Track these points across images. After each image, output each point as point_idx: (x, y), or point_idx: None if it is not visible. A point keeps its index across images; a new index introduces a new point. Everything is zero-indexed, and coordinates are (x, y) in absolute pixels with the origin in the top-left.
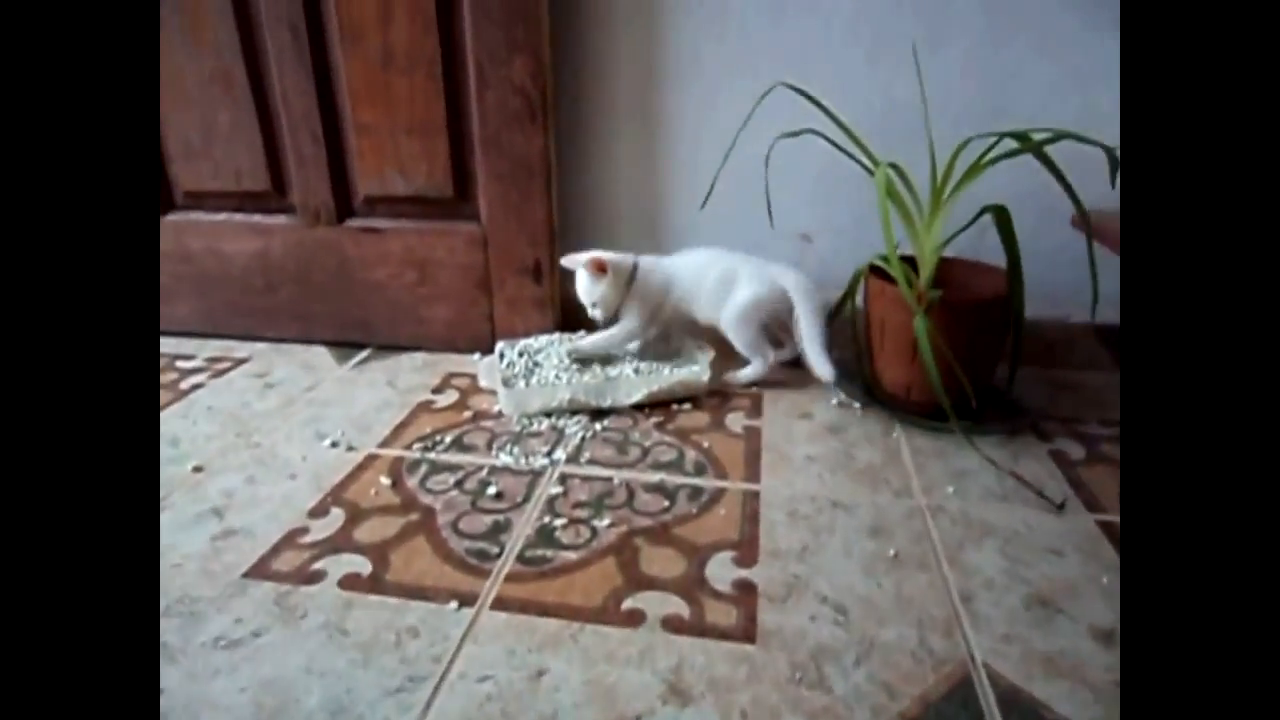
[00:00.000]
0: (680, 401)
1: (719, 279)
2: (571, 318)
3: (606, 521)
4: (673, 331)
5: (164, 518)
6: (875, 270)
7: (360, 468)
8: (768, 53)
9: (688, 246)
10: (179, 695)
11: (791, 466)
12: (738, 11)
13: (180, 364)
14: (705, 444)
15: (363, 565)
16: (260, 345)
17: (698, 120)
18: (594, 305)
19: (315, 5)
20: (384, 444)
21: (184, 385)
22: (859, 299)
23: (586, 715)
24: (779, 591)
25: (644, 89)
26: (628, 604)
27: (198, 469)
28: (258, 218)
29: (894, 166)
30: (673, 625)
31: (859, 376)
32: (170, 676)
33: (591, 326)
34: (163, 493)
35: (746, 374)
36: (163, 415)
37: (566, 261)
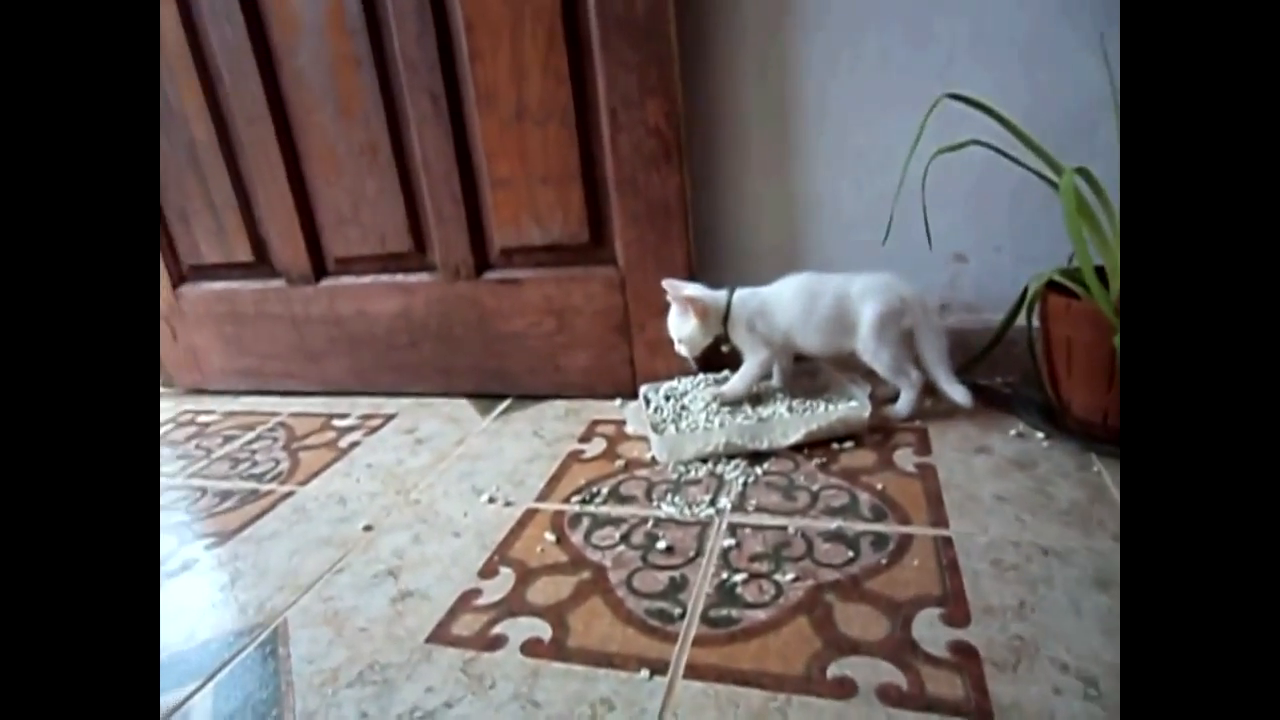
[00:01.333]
0: (840, 440)
1: (834, 302)
2: (715, 358)
3: (790, 576)
4: (821, 365)
5: (344, 579)
6: (1054, 286)
7: (520, 524)
8: (911, 71)
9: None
10: None
11: (981, 508)
12: (875, 39)
13: (336, 422)
14: (878, 485)
15: (542, 629)
16: (405, 400)
17: (832, 150)
18: (680, 341)
19: (452, 71)
20: (541, 497)
21: (343, 443)
22: (1031, 319)
23: None
24: (1005, 657)
25: (777, 123)
26: (833, 671)
27: (368, 528)
28: (400, 277)
29: (1082, 171)
30: (890, 697)
31: (1035, 403)
32: None
33: (733, 363)
34: (340, 553)
35: (903, 407)
36: (327, 473)
37: (667, 285)
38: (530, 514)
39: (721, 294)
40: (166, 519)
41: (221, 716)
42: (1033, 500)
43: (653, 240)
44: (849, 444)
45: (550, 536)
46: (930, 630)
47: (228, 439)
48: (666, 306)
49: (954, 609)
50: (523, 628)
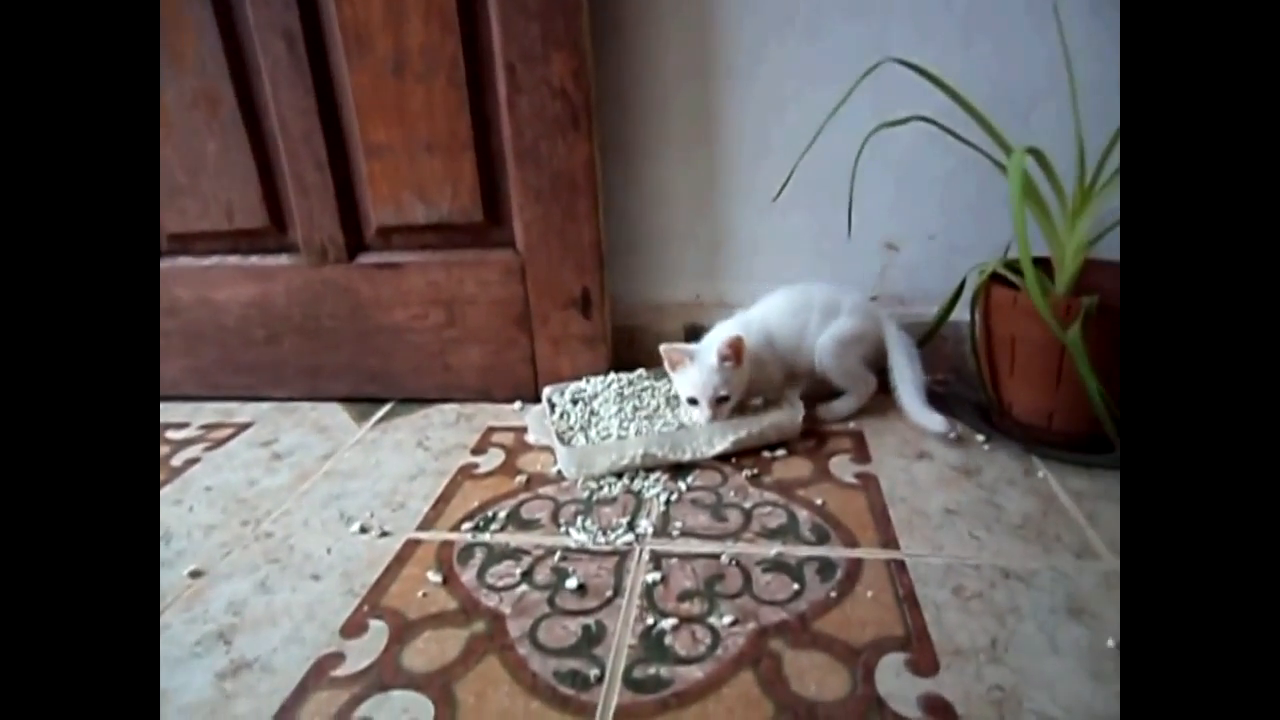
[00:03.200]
0: (771, 448)
1: (823, 312)
2: (627, 356)
3: (728, 618)
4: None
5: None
6: (998, 279)
7: (399, 559)
8: (847, 41)
9: (753, 265)
10: None
11: (930, 523)
12: (808, 4)
13: (171, 434)
14: (818, 500)
15: (422, 709)
16: (264, 406)
17: (761, 120)
18: (723, 399)
19: (313, 8)
20: (425, 524)
21: (176, 461)
22: (975, 313)
23: None
24: (985, 713)
25: (699, 88)
26: None
27: (196, 574)
28: (254, 259)
29: (1034, 153)
30: None
31: (971, 402)
32: None
33: (647, 360)
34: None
35: (842, 406)
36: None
37: (667, 351)
38: (411, 546)
39: (727, 324)
40: None
41: None
42: (983, 513)
43: (557, 219)
44: (780, 451)
45: (435, 576)
46: (897, 682)
47: None
48: (575, 298)
49: (920, 653)
50: (395, 708)
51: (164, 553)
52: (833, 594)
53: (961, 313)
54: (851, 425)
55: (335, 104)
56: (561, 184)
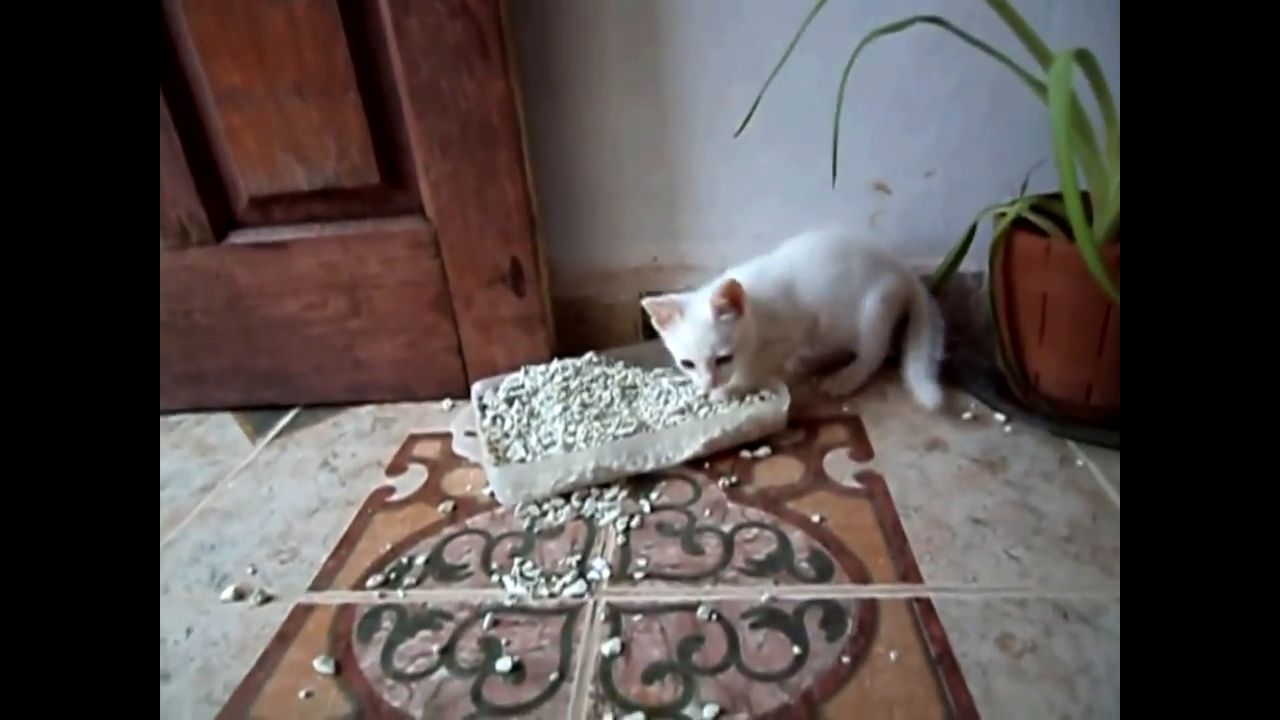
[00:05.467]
0: (752, 446)
1: (867, 263)
2: (575, 335)
3: (710, 710)
4: None
5: None
6: (1023, 224)
7: (281, 638)
8: None
9: (718, 219)
10: None
11: (956, 541)
12: None
13: None
14: (814, 516)
15: None
16: None
17: (721, 35)
18: (724, 359)
19: None
20: (320, 581)
21: None
22: (989, 266)
23: None
24: None
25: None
26: None
27: None
28: None
29: (1082, 57)
30: None
31: (985, 372)
32: None
33: (597, 342)
34: None
35: (857, 373)
36: None
37: (653, 305)
38: (300, 616)
39: (726, 274)
40: None
41: None
42: (1019, 522)
43: (471, 176)
44: (763, 450)
45: (324, 666)
46: None
47: None
48: (503, 272)
49: None
50: None
51: None
52: (845, 659)
53: (967, 263)
54: (845, 409)
55: (169, 37)
56: (474, 131)
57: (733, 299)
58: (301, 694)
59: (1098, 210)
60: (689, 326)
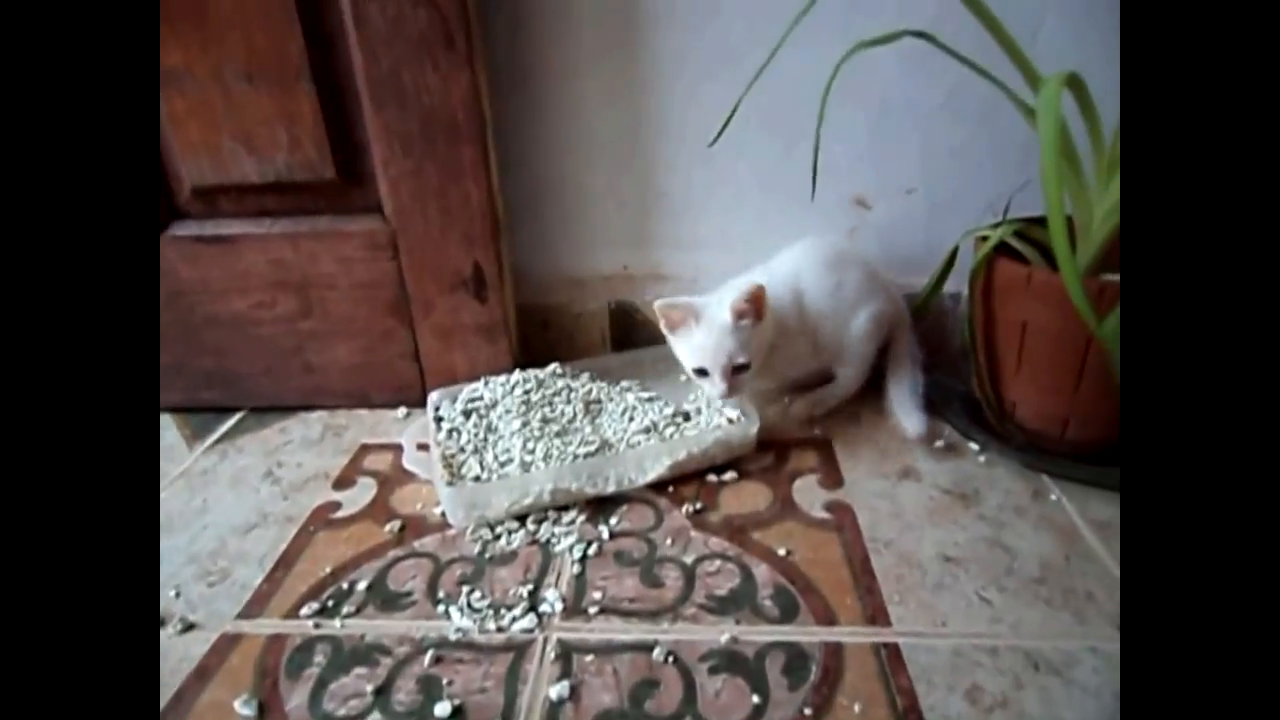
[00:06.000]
0: (719, 470)
1: (860, 275)
2: (539, 343)
3: None
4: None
5: None
6: (1005, 249)
7: (200, 673)
8: None
9: (691, 228)
10: None
11: (926, 580)
12: None
13: None
14: (780, 550)
15: None
16: None
17: (700, 37)
18: (741, 367)
19: None
20: (251, 608)
21: None
22: (974, 289)
23: None
24: None
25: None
26: None
27: None
28: None
29: (1073, 82)
30: None
31: (959, 398)
32: None
33: (565, 352)
34: None
35: (838, 390)
36: None
37: (664, 307)
38: (224, 647)
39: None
40: None
41: None
42: (992, 561)
43: (434, 175)
44: (730, 474)
45: (246, 709)
46: None
47: None
48: (465, 277)
49: None
50: None
51: None
52: (806, 710)
53: (946, 283)
54: (817, 432)
55: None
56: (437, 127)
57: (756, 304)
58: None
59: (1081, 238)
60: (705, 332)
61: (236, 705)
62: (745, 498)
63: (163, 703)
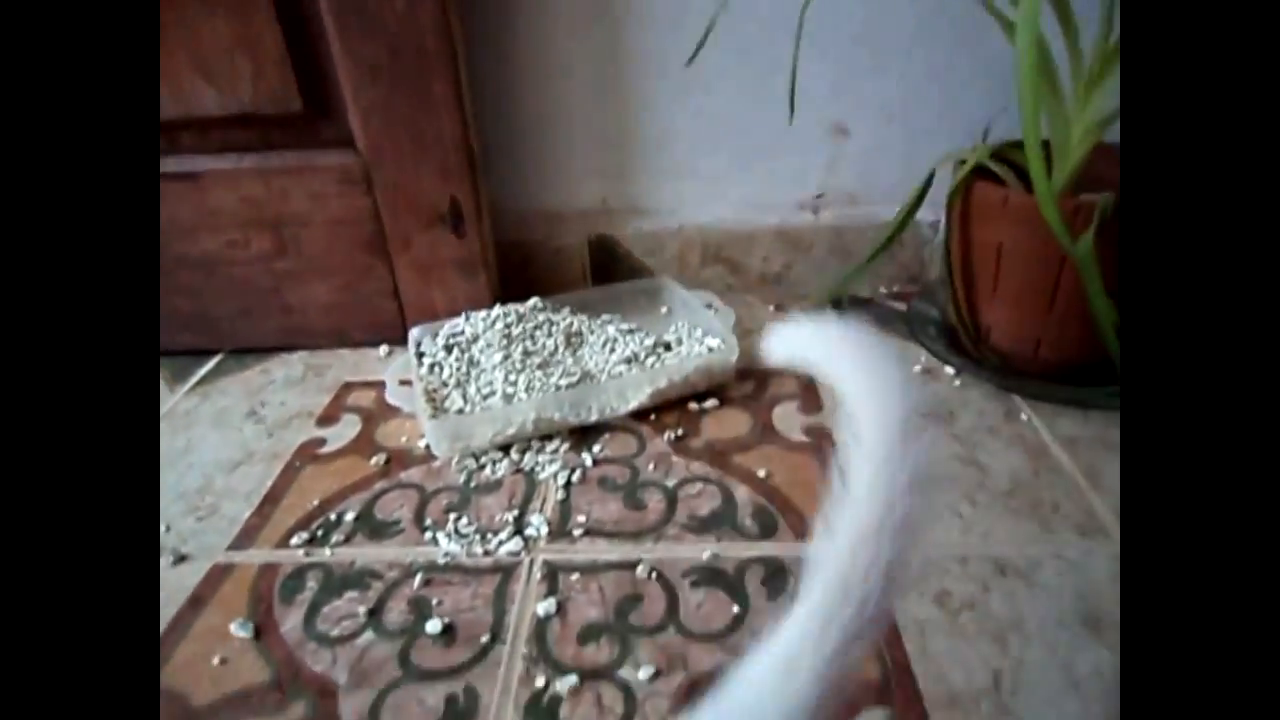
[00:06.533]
0: (700, 398)
1: None
2: (519, 279)
3: (646, 670)
4: (664, 283)
5: None
6: (982, 173)
7: (195, 600)
8: None
9: (670, 158)
10: None
11: None
12: None
13: None
14: (759, 471)
15: None
16: None
17: None
18: None
19: None
20: (241, 540)
21: None
22: (946, 216)
23: None
24: None
25: None
26: None
27: None
28: None
29: None
30: None
31: (935, 323)
32: None
33: (546, 287)
34: None
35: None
36: None
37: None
38: (217, 576)
39: None
40: None
41: None
42: (965, 477)
43: (405, 106)
44: (711, 402)
45: (242, 631)
46: None
47: None
48: (441, 212)
49: (903, 705)
50: None
51: None
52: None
53: (924, 212)
54: None
55: None
56: (407, 55)
57: None
58: (215, 660)
59: (1058, 158)
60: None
61: (233, 628)
62: (726, 424)
63: (160, 630)
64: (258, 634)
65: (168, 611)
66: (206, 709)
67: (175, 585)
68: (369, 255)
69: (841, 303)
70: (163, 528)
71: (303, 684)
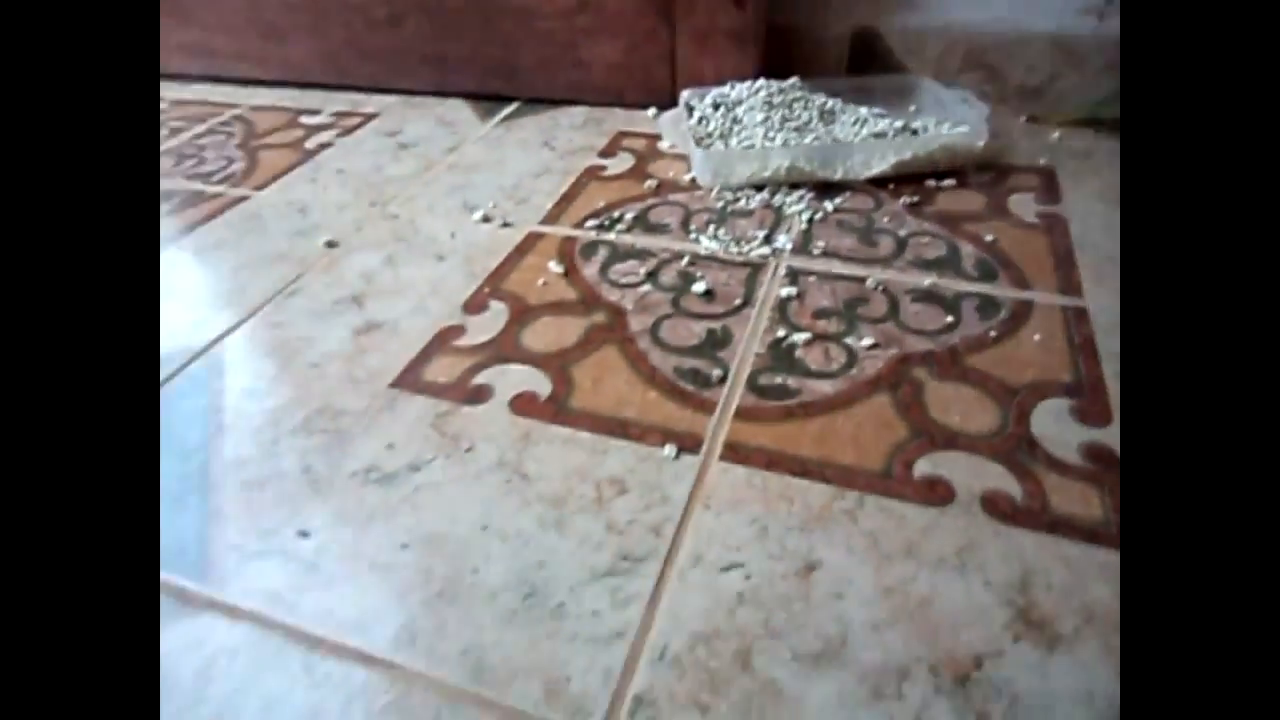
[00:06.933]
0: (939, 176)
1: None
2: (778, 62)
3: (867, 340)
4: (918, 78)
5: (297, 303)
6: None
7: (520, 250)
8: None
9: None
10: (330, 539)
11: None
12: None
13: (305, 119)
14: (987, 236)
15: (539, 382)
16: (390, 98)
17: None
18: None
19: None
20: (548, 220)
21: (310, 144)
22: None
23: (893, 645)
24: None
25: None
26: (922, 467)
27: (331, 244)
28: None
29: None
30: (1000, 510)
31: None
32: (318, 514)
33: (806, 66)
34: (295, 271)
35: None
36: (289, 177)
37: None
38: (533, 239)
39: None
40: None
41: None
42: None
43: None
44: (949, 181)
45: (556, 267)
46: (1057, 427)
47: (174, 131)
48: None
49: (1089, 403)
50: (514, 379)
51: (303, 224)
52: (992, 333)
53: None
54: (1042, 162)
55: None
56: None
57: None
58: (539, 282)
59: None
60: None
61: (550, 265)
62: (960, 200)
63: (499, 259)
64: (566, 272)
65: (503, 251)
66: (537, 308)
67: (504, 239)
68: (656, 19)
69: (1102, 124)
70: (491, 204)
71: (601, 305)
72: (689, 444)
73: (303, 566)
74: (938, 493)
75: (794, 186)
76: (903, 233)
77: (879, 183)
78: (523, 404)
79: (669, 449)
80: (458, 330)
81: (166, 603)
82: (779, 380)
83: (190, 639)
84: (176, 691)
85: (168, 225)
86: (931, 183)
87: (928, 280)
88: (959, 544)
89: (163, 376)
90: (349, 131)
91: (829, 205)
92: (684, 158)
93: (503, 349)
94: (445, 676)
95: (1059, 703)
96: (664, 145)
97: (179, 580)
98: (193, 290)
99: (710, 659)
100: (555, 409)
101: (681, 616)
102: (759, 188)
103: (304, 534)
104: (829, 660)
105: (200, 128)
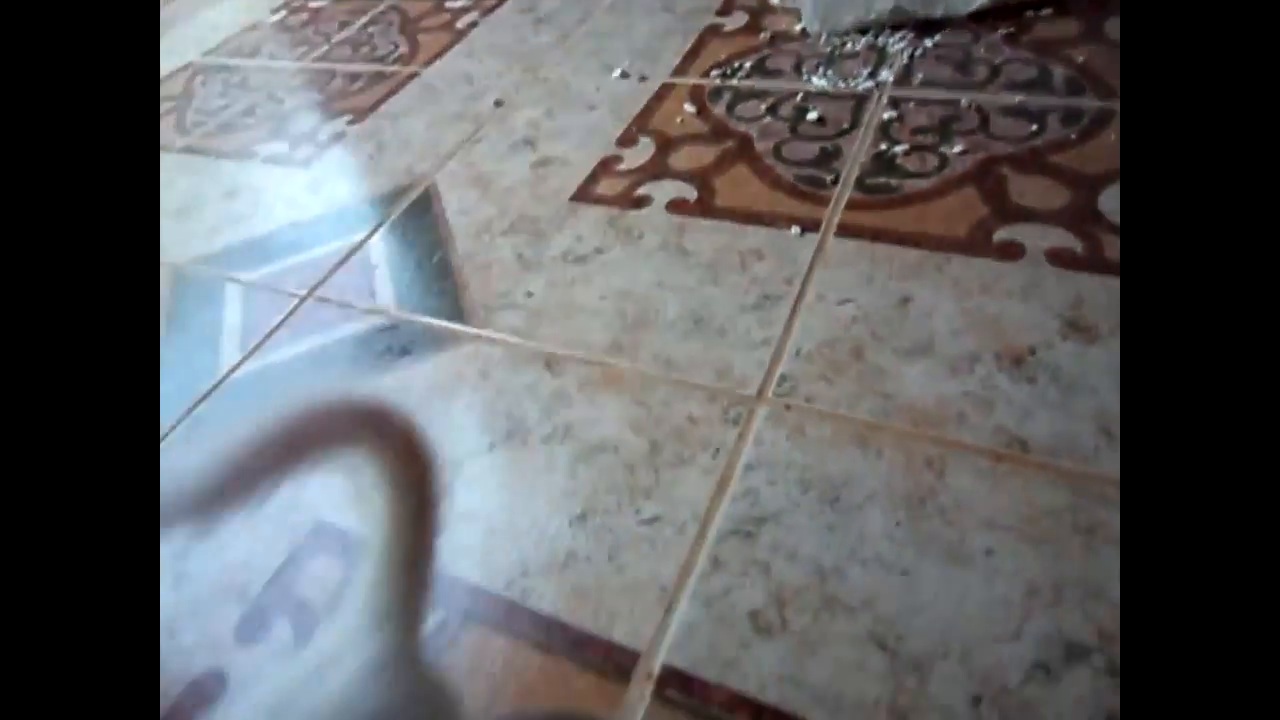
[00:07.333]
0: (1038, 6)
1: None
2: None
3: (958, 148)
4: None
5: (482, 149)
6: None
7: (657, 97)
8: None
9: None
10: (547, 297)
11: None
12: None
13: (449, 3)
14: (1078, 58)
15: (687, 190)
16: None
17: None
18: None
19: None
20: (677, 72)
21: (459, 25)
22: None
23: (967, 343)
24: None
25: None
26: (1001, 235)
27: (499, 104)
28: None
29: None
30: (1062, 259)
31: None
32: (535, 283)
33: None
34: (474, 126)
35: None
36: (448, 55)
37: None
38: (666, 88)
39: None
40: (306, 99)
41: (394, 254)
42: None
43: None
44: (1047, 10)
45: (690, 108)
46: (1120, 204)
47: (343, 24)
48: None
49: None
50: (667, 189)
51: (470, 90)
52: (1072, 136)
53: None
54: None
55: None
56: None
57: None
58: (677, 120)
59: None
60: None
61: (685, 107)
62: (1058, 28)
63: (640, 105)
64: (699, 112)
65: (642, 99)
66: (677, 139)
67: (641, 91)
68: None
69: None
70: (626, 63)
71: (730, 134)
72: (810, 226)
73: (532, 314)
74: (1011, 251)
75: (895, 28)
76: (997, 61)
77: (978, 18)
78: (676, 206)
79: (795, 230)
80: (616, 159)
81: (445, 338)
82: (882, 180)
83: (469, 354)
84: (463, 387)
85: (364, 99)
86: (1030, 13)
87: (1017, 98)
88: (1025, 282)
89: (395, 202)
90: (489, 11)
91: (929, 42)
92: (793, 12)
93: (655, 170)
94: (644, 369)
95: (1092, 378)
96: (775, 1)
97: (449, 324)
98: (398, 145)
99: (833, 354)
100: (702, 208)
101: (810, 331)
102: (863, 31)
103: (529, 294)
104: (919, 353)
105: (364, 19)
